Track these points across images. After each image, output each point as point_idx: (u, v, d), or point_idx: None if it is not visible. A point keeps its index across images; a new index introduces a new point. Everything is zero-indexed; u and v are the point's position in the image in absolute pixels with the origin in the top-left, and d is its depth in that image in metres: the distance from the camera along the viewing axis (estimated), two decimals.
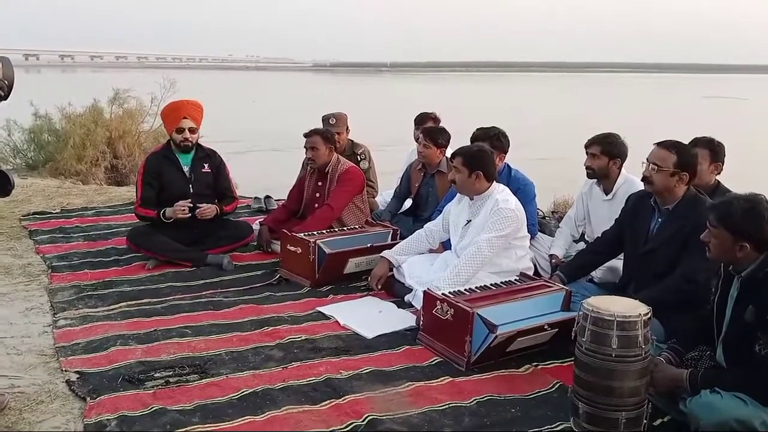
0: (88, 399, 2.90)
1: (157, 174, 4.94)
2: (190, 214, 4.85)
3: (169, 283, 4.45)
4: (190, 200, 4.87)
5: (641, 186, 3.70)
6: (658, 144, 3.49)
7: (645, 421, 2.65)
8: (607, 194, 4.28)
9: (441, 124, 5.72)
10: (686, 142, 3.93)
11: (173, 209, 4.83)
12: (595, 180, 4.35)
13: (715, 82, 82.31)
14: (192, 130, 4.97)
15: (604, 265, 4.00)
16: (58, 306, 4.02)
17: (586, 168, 4.27)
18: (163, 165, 4.96)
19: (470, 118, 6.40)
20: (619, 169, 4.24)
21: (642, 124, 17.08)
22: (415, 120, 6.07)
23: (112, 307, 4.01)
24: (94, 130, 9.12)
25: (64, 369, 3.21)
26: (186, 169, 5.00)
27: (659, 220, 3.51)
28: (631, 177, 4.19)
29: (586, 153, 4.26)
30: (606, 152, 4.18)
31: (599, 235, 4.00)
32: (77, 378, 3.11)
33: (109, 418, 2.76)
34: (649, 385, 2.65)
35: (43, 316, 3.90)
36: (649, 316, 2.61)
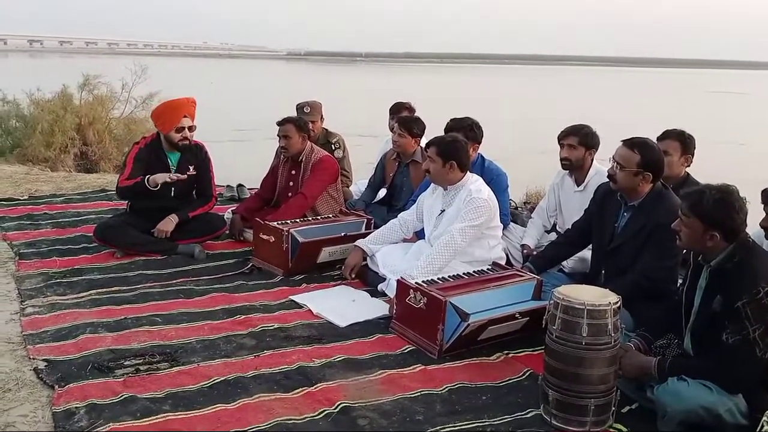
0: (57, 387, 2.87)
1: (146, 166, 4.79)
2: (171, 181, 4.73)
3: (140, 271, 4.41)
4: (178, 175, 4.76)
5: None
6: (624, 142, 3.46)
7: (613, 408, 2.70)
8: (578, 185, 4.31)
9: (416, 114, 5.72)
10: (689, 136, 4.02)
11: (162, 175, 4.69)
12: (567, 171, 4.38)
13: (716, 77, 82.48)
14: (191, 128, 4.87)
15: (575, 255, 4.03)
16: (26, 293, 3.95)
17: (563, 160, 4.26)
18: (152, 160, 4.82)
19: (445, 109, 6.40)
20: (592, 160, 4.28)
21: (634, 119, 17.15)
22: (390, 109, 6.06)
23: (81, 294, 3.96)
24: (63, 117, 8.98)
25: (31, 357, 3.16)
26: (172, 170, 4.88)
27: (625, 215, 3.52)
28: (602, 168, 4.20)
29: (562, 145, 4.25)
30: (583, 143, 4.20)
31: (570, 227, 4.03)
32: (45, 366, 3.07)
33: (78, 406, 2.73)
34: (618, 372, 2.69)
35: (10, 304, 3.83)
36: (618, 304, 2.65)
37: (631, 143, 3.42)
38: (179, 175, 4.76)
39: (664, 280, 3.34)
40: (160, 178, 4.69)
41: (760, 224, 3.08)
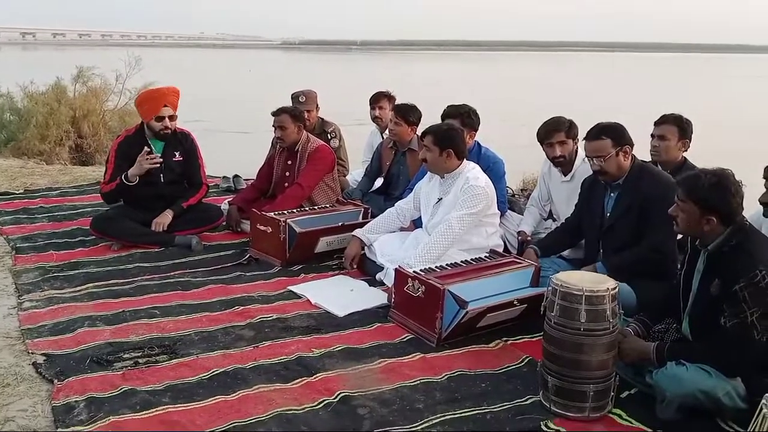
0: (56, 381, 2.87)
1: (129, 160, 4.80)
2: (158, 164, 4.77)
3: (137, 264, 4.40)
4: (150, 151, 4.76)
5: None
6: (588, 137, 3.55)
7: (612, 394, 2.71)
8: (565, 175, 4.22)
9: (412, 102, 5.69)
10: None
11: (136, 166, 4.70)
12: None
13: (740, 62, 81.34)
14: (172, 118, 4.87)
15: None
16: (23, 288, 3.95)
17: (557, 158, 4.10)
18: (135, 152, 4.81)
19: (442, 97, 6.38)
20: (577, 148, 4.19)
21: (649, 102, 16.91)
22: (369, 100, 6.01)
23: (78, 288, 3.95)
24: (57, 109, 8.91)
25: (30, 351, 3.16)
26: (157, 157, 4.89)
27: (612, 195, 3.59)
28: None
29: (550, 144, 4.09)
30: (571, 135, 4.06)
31: (565, 219, 4.02)
32: (44, 360, 3.07)
33: (77, 399, 2.73)
34: (617, 356, 2.69)
35: (7, 299, 3.82)
36: (616, 290, 2.65)
37: (596, 133, 3.51)
38: (150, 156, 4.74)
39: (672, 253, 3.43)
40: (134, 169, 4.72)
41: (759, 200, 3.07)
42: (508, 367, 3.11)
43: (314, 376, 2.97)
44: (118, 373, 2.96)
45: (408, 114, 5.13)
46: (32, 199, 6.13)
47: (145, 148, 4.76)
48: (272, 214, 4.55)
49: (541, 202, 4.59)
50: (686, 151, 4.09)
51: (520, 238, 4.45)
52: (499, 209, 4.22)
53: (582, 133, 3.78)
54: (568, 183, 4.20)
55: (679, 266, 2.93)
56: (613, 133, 3.47)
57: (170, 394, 2.80)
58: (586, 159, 4.12)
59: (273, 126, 5.10)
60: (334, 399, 2.78)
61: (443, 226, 3.89)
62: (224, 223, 5.20)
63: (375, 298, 3.88)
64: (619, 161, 3.48)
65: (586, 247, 3.79)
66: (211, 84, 26.72)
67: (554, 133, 4.08)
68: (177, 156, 4.95)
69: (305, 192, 4.98)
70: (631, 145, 3.51)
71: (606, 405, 2.70)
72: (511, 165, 5.04)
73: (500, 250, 4.04)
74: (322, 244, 4.53)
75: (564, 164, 4.19)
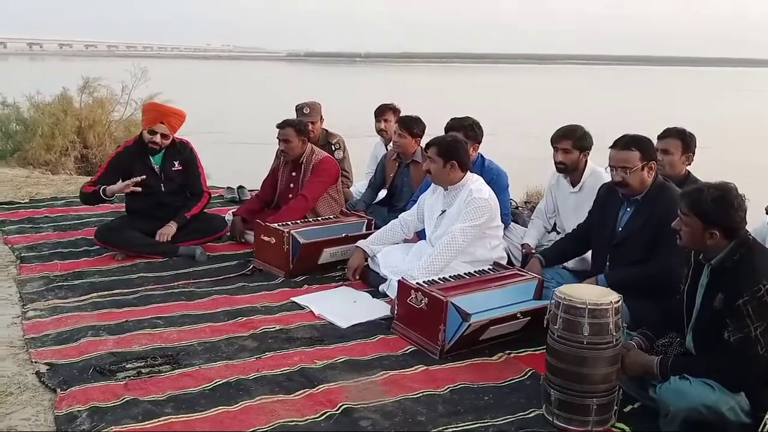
0: (59, 390, 2.87)
1: (128, 171, 4.81)
2: (139, 189, 4.74)
3: (141, 274, 4.41)
4: (139, 179, 4.75)
5: (608, 177, 3.73)
6: (616, 146, 3.48)
7: (616, 408, 2.70)
8: (574, 186, 4.25)
9: (416, 115, 5.71)
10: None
11: (118, 186, 4.71)
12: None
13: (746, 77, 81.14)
14: (164, 137, 4.86)
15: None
16: (27, 297, 3.96)
17: (558, 163, 4.20)
18: (134, 162, 4.85)
19: (445, 110, 6.38)
20: (586, 161, 4.23)
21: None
22: (375, 112, 6.04)
23: (82, 298, 3.96)
24: (63, 119, 8.97)
25: (33, 360, 3.16)
26: (156, 167, 4.91)
27: (628, 210, 3.54)
28: (597, 169, 4.18)
29: (556, 148, 4.18)
30: (577, 146, 4.13)
31: (576, 226, 4.00)
32: (47, 369, 3.07)
33: (80, 409, 2.73)
34: (620, 370, 2.69)
35: (11, 308, 3.83)
36: (619, 303, 2.65)
37: (625, 143, 3.45)
38: (135, 180, 4.73)
39: (678, 276, 3.36)
40: (116, 188, 4.72)
41: (766, 209, 3.08)
42: (511, 380, 3.10)
43: (317, 387, 2.96)
44: (121, 383, 2.96)
45: (412, 126, 5.16)
46: (37, 208, 6.15)
47: (137, 178, 4.74)
48: (276, 225, 4.55)
49: (547, 215, 4.59)
50: (690, 164, 4.08)
51: (524, 250, 4.46)
52: (502, 221, 4.23)
53: (599, 148, 3.81)
54: (576, 194, 4.22)
55: (683, 280, 2.92)
56: (641, 146, 3.41)
57: (173, 404, 2.80)
58: (594, 171, 4.14)
59: (277, 138, 5.12)
60: (336, 411, 2.78)
61: (447, 238, 3.89)
62: (228, 234, 5.21)
63: (378, 309, 3.88)
64: (643, 176, 3.42)
65: (593, 260, 3.77)
66: (216, 95, 26.83)
67: (562, 139, 4.15)
68: (176, 166, 4.97)
69: (309, 203, 4.99)
70: (656, 161, 3.47)
71: (609, 419, 2.69)
72: (514, 177, 5.06)
73: (504, 262, 4.03)
74: (326, 255, 4.54)
75: (565, 172, 4.24)
